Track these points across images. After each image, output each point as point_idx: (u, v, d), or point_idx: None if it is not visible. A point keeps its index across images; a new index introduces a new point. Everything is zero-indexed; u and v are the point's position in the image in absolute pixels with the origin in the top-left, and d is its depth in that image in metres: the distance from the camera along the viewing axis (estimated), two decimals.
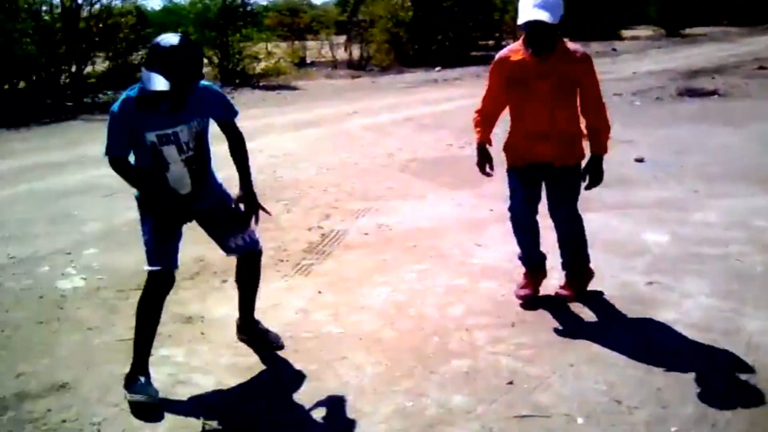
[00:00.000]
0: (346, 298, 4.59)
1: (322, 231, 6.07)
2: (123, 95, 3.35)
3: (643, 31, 41.29)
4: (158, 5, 24.37)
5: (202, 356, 3.93)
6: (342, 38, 27.66)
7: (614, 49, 28.84)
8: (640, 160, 8.28)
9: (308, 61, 26.08)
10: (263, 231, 6.02)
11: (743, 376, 3.54)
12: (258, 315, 4.09)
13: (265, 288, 4.77)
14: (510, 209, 4.36)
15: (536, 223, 4.39)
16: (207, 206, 3.66)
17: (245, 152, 3.74)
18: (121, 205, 6.91)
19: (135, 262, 5.34)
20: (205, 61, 20.08)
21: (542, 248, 4.52)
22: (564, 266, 4.50)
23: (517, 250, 4.54)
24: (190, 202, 3.59)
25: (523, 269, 4.55)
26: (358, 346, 3.98)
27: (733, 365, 3.65)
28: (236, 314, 4.11)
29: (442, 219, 6.37)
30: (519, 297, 4.42)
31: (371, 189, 7.38)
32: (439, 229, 6.06)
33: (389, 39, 24.15)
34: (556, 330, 4.09)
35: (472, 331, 4.13)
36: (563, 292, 4.48)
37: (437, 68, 22.23)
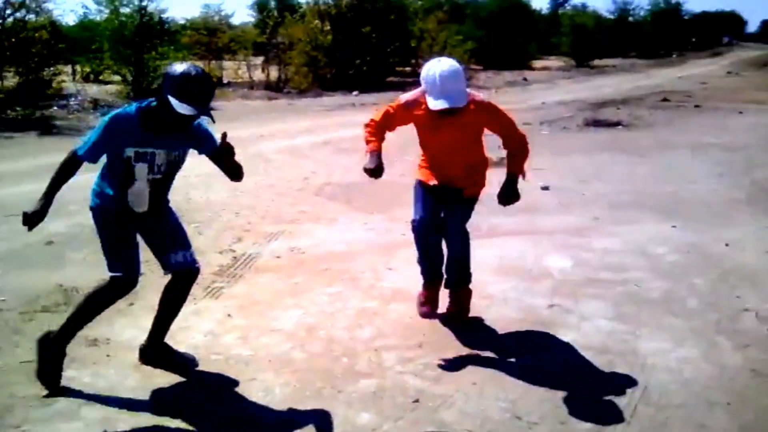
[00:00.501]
0: (256, 321, 4.61)
1: (233, 254, 6.06)
2: (122, 110, 3.58)
3: (554, 62, 42.64)
4: (74, 21, 23.72)
5: (108, 378, 3.88)
6: (260, 59, 27.62)
7: (525, 79, 29.71)
8: (545, 188, 8.58)
9: (225, 81, 25.88)
10: None
11: (637, 394, 3.72)
12: (166, 338, 4.05)
13: None
14: (413, 221, 4.46)
15: (438, 238, 4.51)
16: (152, 222, 3.80)
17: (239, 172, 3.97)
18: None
19: (39, 283, 5.26)
20: (119, 78, 19.90)
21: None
22: (446, 283, 4.65)
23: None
24: (138, 219, 3.72)
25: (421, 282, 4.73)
26: (267, 367, 4.01)
27: (628, 384, 3.84)
28: (143, 336, 4.08)
29: (354, 243, 6.45)
30: (421, 315, 4.60)
31: (285, 212, 7.40)
32: (351, 253, 6.14)
33: (308, 62, 24.23)
34: (461, 350, 4.22)
35: (380, 352, 4.21)
36: (453, 310, 4.65)
37: (355, 92, 22.43)
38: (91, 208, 3.76)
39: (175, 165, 3.72)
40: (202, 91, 3.39)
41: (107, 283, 3.71)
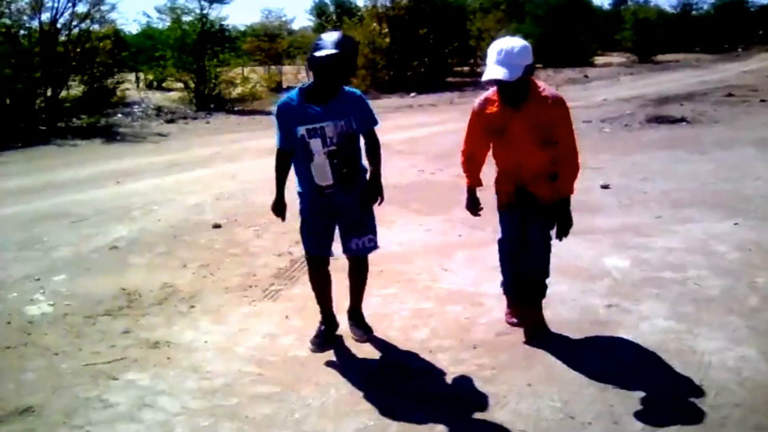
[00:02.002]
0: (314, 323, 4.66)
1: (291, 257, 6.15)
2: (282, 99, 4.08)
3: (616, 58, 42.00)
4: (136, 30, 24.33)
5: (167, 380, 3.99)
6: None
7: (586, 76, 29.35)
8: (605, 187, 8.46)
9: (284, 86, 26.21)
10: (232, 257, 6.14)
11: (692, 394, 3.66)
12: (224, 340, 4.28)
13: (232, 313, 4.90)
14: (498, 241, 4.47)
15: (521, 249, 4.39)
16: (345, 203, 4.13)
17: (379, 155, 4.19)
18: (91, 232, 6.99)
19: (103, 287, 5.44)
20: (181, 85, 20.35)
21: None
22: (521, 296, 4.53)
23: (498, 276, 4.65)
24: (332, 197, 4.08)
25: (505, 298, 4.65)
26: (323, 369, 4.07)
27: (684, 384, 3.78)
28: (202, 338, 4.42)
29: (410, 244, 6.47)
30: (511, 324, 4.53)
31: None
32: (407, 254, 6.16)
33: (366, 64, 24.38)
34: (516, 351, 4.21)
35: (435, 353, 4.23)
36: (514, 320, 4.56)
37: (412, 94, 22.49)
38: (299, 193, 4.26)
39: (345, 136, 3.98)
40: (330, 39, 3.79)
41: (307, 263, 4.43)
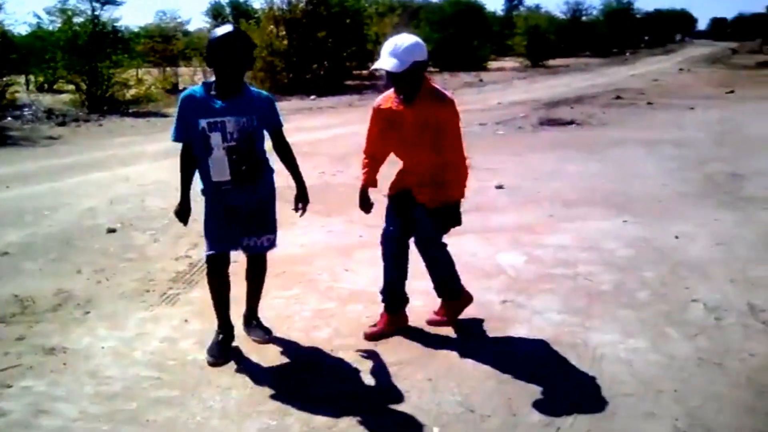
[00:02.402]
0: (214, 326, 4.59)
1: (190, 260, 6.06)
2: (187, 91, 4.00)
3: (509, 62, 43.14)
4: (26, 31, 23.31)
5: (65, 386, 3.87)
6: None
7: (481, 80, 30.02)
8: (500, 187, 8.70)
9: (180, 87, 25.73)
10: (128, 261, 6.00)
11: (586, 385, 3.83)
12: (122, 345, 4.16)
13: (129, 319, 4.80)
14: (383, 233, 4.48)
15: (404, 252, 4.47)
16: (242, 203, 4.09)
17: (292, 157, 4.29)
18: None
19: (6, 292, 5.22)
20: (72, 87, 19.68)
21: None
22: (437, 293, 4.62)
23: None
24: (229, 194, 4.03)
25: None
26: (224, 371, 4.04)
27: (578, 375, 3.95)
28: (99, 344, 4.32)
29: (312, 245, 6.48)
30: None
31: None
32: (308, 256, 6.17)
33: (264, 67, 24.21)
34: (416, 348, 4.28)
35: (337, 352, 4.27)
36: (436, 317, 4.64)
37: (312, 96, 22.48)
38: (201, 191, 4.15)
39: (246, 133, 3.95)
40: (223, 29, 3.86)
41: (206, 263, 4.27)
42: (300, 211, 4.29)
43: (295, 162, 4.28)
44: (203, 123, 3.88)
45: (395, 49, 3.90)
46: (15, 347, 4.36)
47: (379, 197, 4.49)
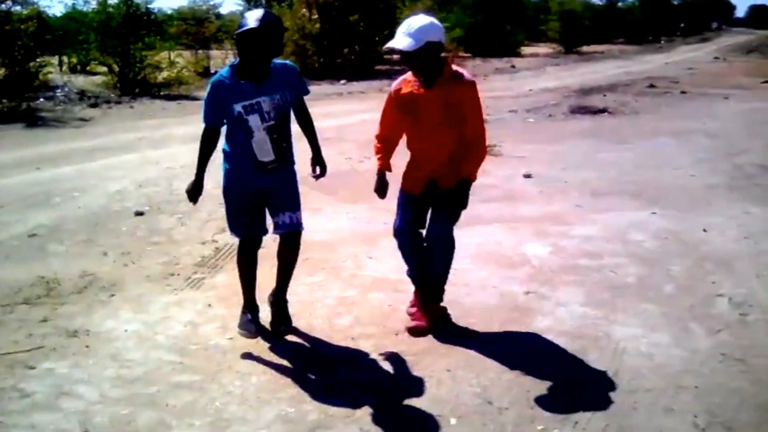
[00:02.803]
0: (236, 312, 4.62)
1: (216, 244, 6.10)
2: (216, 77, 3.97)
3: (543, 49, 42.67)
4: (60, 12, 23.53)
5: (86, 369, 3.92)
6: None
7: (513, 66, 29.76)
8: (528, 176, 8.64)
9: (212, 70, 25.79)
10: (154, 245, 6.06)
11: (607, 379, 3.79)
12: (145, 329, 4.24)
13: (153, 302, 4.84)
14: (394, 229, 4.40)
15: (420, 241, 4.38)
16: (273, 183, 4.11)
17: (312, 125, 4.30)
18: (10, 219, 6.80)
19: (21, 275, 5.30)
20: (105, 69, 19.84)
21: None
22: (423, 295, 4.48)
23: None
24: (266, 176, 4.07)
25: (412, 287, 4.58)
26: (245, 357, 4.06)
27: (599, 369, 3.91)
28: (122, 327, 4.37)
29: (337, 232, 6.49)
30: (412, 331, 4.35)
31: None
32: (333, 242, 6.18)
33: (295, 50, 24.16)
34: (437, 338, 4.27)
35: (357, 341, 4.28)
36: (419, 324, 4.39)
37: (342, 81, 22.43)
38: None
39: (281, 110, 4.00)
40: (253, 15, 3.82)
41: (238, 245, 4.30)
42: (317, 176, 4.32)
43: (314, 129, 4.32)
44: (238, 107, 3.90)
45: (409, 29, 3.88)
46: (39, 329, 4.42)
47: (393, 186, 4.43)
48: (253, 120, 3.94)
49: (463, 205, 4.17)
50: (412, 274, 4.52)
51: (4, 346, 4.15)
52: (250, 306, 4.38)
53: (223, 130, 4.09)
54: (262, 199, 4.16)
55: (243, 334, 4.24)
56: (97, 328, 4.46)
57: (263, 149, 4.00)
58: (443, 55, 4.05)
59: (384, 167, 4.37)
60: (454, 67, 4.12)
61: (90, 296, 4.99)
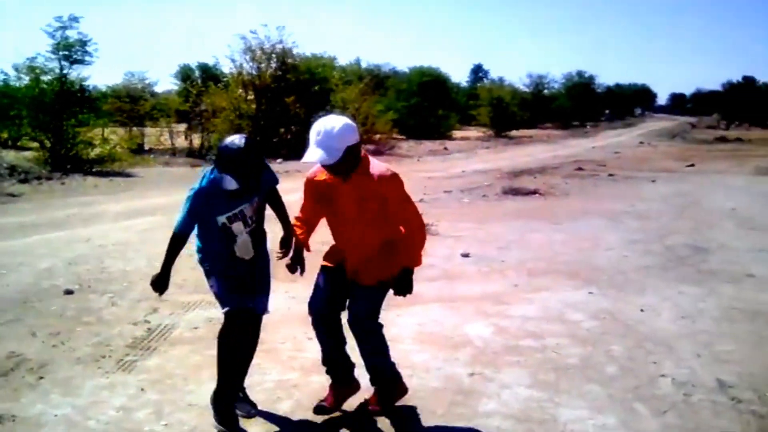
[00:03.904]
0: (171, 396, 4.46)
1: (148, 325, 5.90)
2: (196, 187, 3.86)
3: (474, 132, 43.78)
4: None
5: None
6: (183, 126, 27.51)
7: (446, 148, 30.41)
8: (466, 255, 8.69)
9: (146, 147, 25.63)
10: (84, 325, 5.82)
11: None
12: (75, 413, 4.03)
13: (84, 385, 4.61)
14: (311, 307, 4.25)
15: (337, 324, 4.21)
16: (250, 269, 4.13)
17: (284, 210, 4.26)
18: None
19: None
20: (36, 144, 19.46)
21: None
22: (370, 380, 4.32)
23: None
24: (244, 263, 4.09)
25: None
26: None
27: None
28: (52, 411, 4.16)
29: (274, 312, 6.28)
30: (314, 409, 4.26)
31: (204, 281, 7.14)
32: (271, 323, 5.98)
33: (231, 129, 24.20)
34: (384, 422, 4.16)
35: (300, 426, 4.13)
36: (372, 406, 4.29)
37: (279, 160, 22.46)
38: (199, 260, 4.20)
39: (259, 209, 4.08)
40: (243, 165, 3.70)
41: (225, 320, 4.11)
42: (282, 254, 4.19)
43: (287, 213, 4.27)
44: (222, 219, 3.92)
45: (325, 138, 3.68)
46: None
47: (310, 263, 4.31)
48: (237, 227, 3.96)
49: (407, 290, 4.00)
50: (325, 357, 4.30)
51: None
52: (232, 392, 4.19)
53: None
54: (244, 278, 4.13)
55: (243, 416, 4.16)
56: (24, 413, 4.21)
57: (245, 250, 4.04)
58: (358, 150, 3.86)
59: (299, 245, 4.20)
60: (372, 160, 3.95)
61: (17, 379, 4.74)
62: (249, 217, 3.99)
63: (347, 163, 3.77)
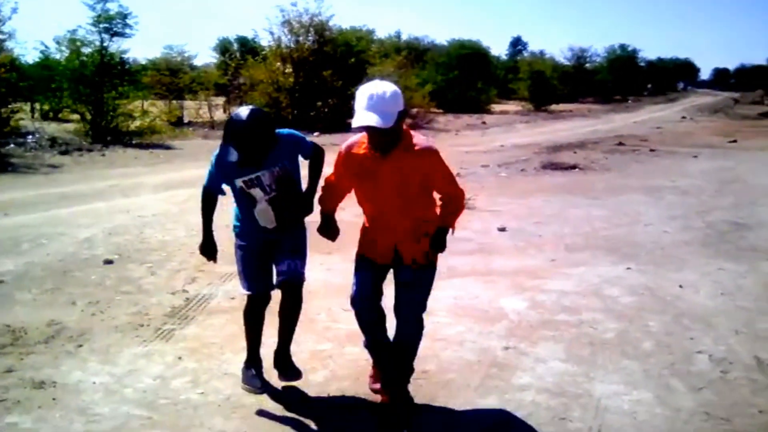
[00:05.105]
0: (208, 365, 4.51)
1: (186, 295, 5.97)
2: (217, 152, 3.95)
3: (513, 106, 43.31)
4: (34, 59, 23.31)
5: (52, 423, 3.76)
6: (221, 99, 27.65)
7: (484, 123, 30.13)
8: (502, 230, 8.63)
9: (185, 120, 25.83)
10: (123, 294, 5.90)
11: None
12: (113, 381, 4.08)
13: (122, 353, 4.68)
14: (351, 297, 4.14)
15: (379, 311, 4.11)
16: (279, 235, 4.10)
17: (319, 170, 4.18)
18: None
19: None
20: (77, 116, 19.71)
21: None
22: (386, 369, 4.19)
23: None
24: (271, 233, 4.07)
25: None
26: (217, 412, 3.93)
27: (581, 427, 3.82)
28: (90, 379, 4.19)
29: (311, 284, 6.30)
30: (373, 391, 4.20)
31: None
32: (307, 294, 5.98)
33: (269, 102, 24.28)
34: (416, 395, 4.15)
35: (332, 396, 4.16)
36: (380, 396, 4.16)
37: (316, 133, 22.47)
38: (234, 231, 4.21)
39: (283, 179, 3.99)
40: (243, 138, 3.70)
41: (246, 301, 4.19)
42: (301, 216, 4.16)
43: (319, 175, 4.18)
44: (239, 183, 3.95)
45: (379, 102, 3.56)
46: (3, 379, 4.25)
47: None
48: (256, 192, 3.97)
49: (441, 248, 3.91)
50: (370, 345, 4.23)
51: None
52: (253, 361, 4.25)
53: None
54: (270, 252, 4.12)
55: (248, 389, 4.11)
56: (64, 379, 4.29)
57: (265, 218, 4.03)
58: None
59: (329, 210, 4.13)
60: (413, 133, 3.83)
61: (57, 346, 4.82)
62: (267, 185, 3.95)
63: (397, 130, 3.68)
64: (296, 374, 4.22)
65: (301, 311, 4.26)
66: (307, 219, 4.15)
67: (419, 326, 4.05)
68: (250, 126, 3.69)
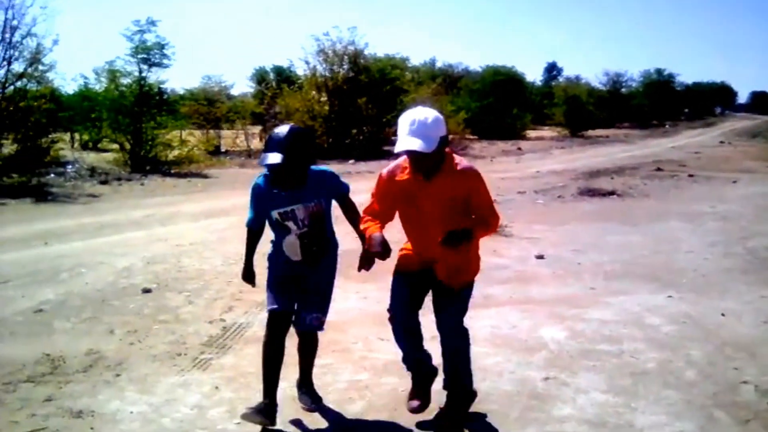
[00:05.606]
0: (245, 394, 4.49)
1: (223, 324, 5.97)
2: (254, 182, 4.10)
3: (548, 132, 43.13)
4: (73, 90, 23.83)
5: None
6: (258, 128, 27.94)
7: (519, 149, 30.03)
8: (540, 257, 8.54)
9: (223, 149, 26.14)
10: (161, 323, 5.94)
11: None
12: (150, 411, 4.10)
13: (160, 383, 4.69)
14: (391, 314, 4.18)
15: (417, 328, 4.17)
16: (307, 273, 4.17)
17: (358, 218, 4.18)
18: (16, 294, 6.71)
19: (25, 352, 5.18)
20: (116, 146, 20.04)
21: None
22: (444, 385, 4.26)
23: None
24: (297, 266, 4.14)
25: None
26: None
27: None
28: (128, 408, 4.25)
29: (346, 312, 6.36)
30: (409, 410, 4.19)
31: None
32: (343, 323, 6.04)
33: None
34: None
35: (371, 428, 4.11)
36: (414, 406, 4.21)
37: (351, 161, 22.61)
38: (268, 256, 4.29)
39: (316, 216, 4.07)
40: (278, 140, 3.82)
41: (267, 319, 4.14)
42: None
43: (358, 221, 4.18)
44: (275, 214, 4.04)
45: (421, 127, 3.64)
46: (43, 408, 4.28)
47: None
48: (290, 225, 4.05)
49: (455, 244, 3.70)
50: (408, 360, 4.26)
51: (5, 426, 4.00)
52: (269, 398, 4.05)
53: None
54: (296, 282, 4.16)
55: (256, 420, 3.98)
56: (102, 408, 4.30)
57: (292, 250, 4.08)
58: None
59: (378, 230, 3.92)
60: (454, 156, 3.90)
61: (95, 375, 4.85)
62: (300, 219, 4.02)
63: (440, 155, 3.76)
64: (314, 400, 4.30)
65: (317, 351, 4.40)
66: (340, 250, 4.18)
67: (461, 333, 4.11)
68: (290, 134, 3.84)
